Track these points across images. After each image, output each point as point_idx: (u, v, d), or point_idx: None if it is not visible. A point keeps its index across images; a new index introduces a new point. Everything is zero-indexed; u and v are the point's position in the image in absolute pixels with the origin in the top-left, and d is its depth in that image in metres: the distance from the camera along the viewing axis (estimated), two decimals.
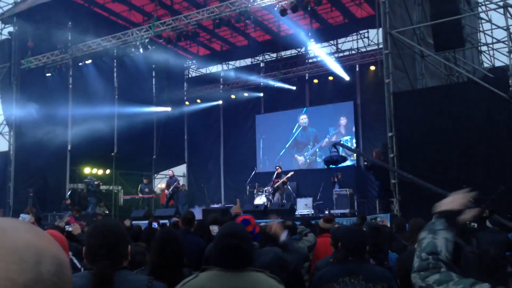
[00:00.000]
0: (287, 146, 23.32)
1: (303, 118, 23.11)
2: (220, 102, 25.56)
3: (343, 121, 22.00)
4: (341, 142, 9.58)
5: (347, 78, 21.64)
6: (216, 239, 2.46)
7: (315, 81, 22.60)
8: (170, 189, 18.77)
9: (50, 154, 20.10)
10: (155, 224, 8.77)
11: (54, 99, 20.08)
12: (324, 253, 5.66)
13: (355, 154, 17.73)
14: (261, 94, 24.39)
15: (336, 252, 3.79)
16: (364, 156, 11.52)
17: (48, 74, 20.29)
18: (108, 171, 22.23)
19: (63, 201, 19.43)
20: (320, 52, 22.32)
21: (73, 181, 21.15)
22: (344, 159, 9.51)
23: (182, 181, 24.93)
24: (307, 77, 22.75)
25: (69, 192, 20.38)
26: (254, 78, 23.95)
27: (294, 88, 23.12)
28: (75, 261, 3.80)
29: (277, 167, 18.07)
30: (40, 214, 17.86)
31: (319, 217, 9.77)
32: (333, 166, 9.46)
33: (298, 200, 17.73)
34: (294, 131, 23.23)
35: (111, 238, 2.18)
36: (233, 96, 24.61)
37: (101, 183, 20.59)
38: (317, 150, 22.54)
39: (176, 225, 7.02)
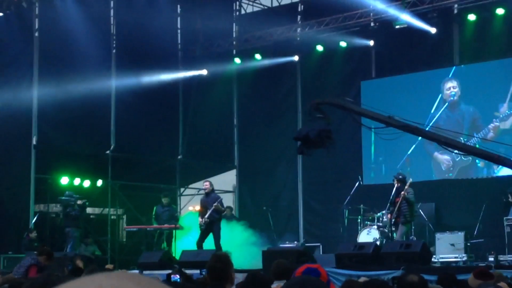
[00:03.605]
0: (420, 137, 23.00)
1: (451, 87, 22.67)
2: (296, 57, 25.54)
3: None
4: (343, 101, 9.95)
5: None
6: None
7: (471, 17, 22.07)
8: (206, 215, 18.96)
9: (3, 152, 20.80)
10: (175, 278, 8.98)
11: (9, 56, 20.76)
12: None
13: None
14: (371, 43, 24.12)
15: None
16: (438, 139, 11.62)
17: None
18: (100, 183, 22.84)
19: (25, 234, 20.11)
20: None
21: (41, 200, 21.84)
22: (326, 135, 9.56)
23: (228, 199, 25.17)
24: (455, 11, 22.26)
25: (35, 219, 21.07)
26: (355, 15, 23.68)
27: (433, 30, 22.69)
28: None
29: (397, 178, 17.87)
30: None
31: (476, 269, 9.59)
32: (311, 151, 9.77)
33: (438, 236, 17.68)
34: (433, 110, 22.87)
35: None
36: (319, 48, 24.50)
37: (87, 203, 21.21)
38: (477, 144, 22.11)
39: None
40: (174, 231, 21.15)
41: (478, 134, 21.72)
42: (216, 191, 20.86)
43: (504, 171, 21.14)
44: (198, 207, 21.02)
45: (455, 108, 22.64)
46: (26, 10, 21.20)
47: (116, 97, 23.16)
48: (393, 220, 17.65)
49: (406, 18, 22.02)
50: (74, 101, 20.93)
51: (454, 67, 22.78)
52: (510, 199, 18.26)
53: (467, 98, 22.46)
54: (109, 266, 14.33)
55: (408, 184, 17.58)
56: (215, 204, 18.82)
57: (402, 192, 17.38)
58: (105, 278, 1.50)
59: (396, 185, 17.76)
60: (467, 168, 22.16)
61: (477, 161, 21.82)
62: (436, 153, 22.54)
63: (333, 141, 10.49)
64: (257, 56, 25.56)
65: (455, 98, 22.63)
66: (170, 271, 10.71)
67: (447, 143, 11.04)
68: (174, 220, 21.62)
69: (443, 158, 22.47)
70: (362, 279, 8.83)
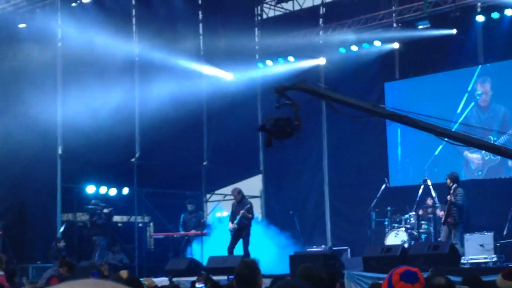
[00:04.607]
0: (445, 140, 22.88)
1: (482, 86, 22.51)
2: (321, 61, 25.52)
3: None
4: (316, 86, 9.47)
5: None
6: None
7: (495, 15, 21.92)
8: (235, 221, 19.02)
9: (29, 163, 20.95)
10: (200, 285, 8.96)
11: (32, 66, 20.91)
12: None
13: None
14: (395, 45, 24.07)
15: None
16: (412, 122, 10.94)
17: (21, 25, 21.22)
18: (126, 191, 22.93)
19: (53, 243, 20.24)
20: None
21: (68, 209, 21.97)
22: (283, 124, 9.16)
23: (254, 204, 25.16)
24: (478, 10, 22.12)
25: (62, 228, 21.20)
26: (377, 16, 23.63)
27: (453, 31, 22.60)
28: None
29: (449, 177, 17.73)
30: (14, 266, 18.77)
31: (505, 269, 9.52)
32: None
33: (467, 237, 17.49)
34: (460, 109, 22.74)
35: None
36: (342, 50, 24.47)
37: (113, 212, 21.32)
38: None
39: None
40: (201, 237, 21.20)
41: (510, 132, 21.46)
42: (247, 196, 20.95)
43: None
44: (225, 214, 21.11)
45: (485, 107, 22.50)
46: (49, 20, 21.32)
47: (140, 105, 23.23)
48: (442, 219, 17.67)
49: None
50: (98, 109, 21.04)
51: (480, 66, 22.66)
52: None
53: (498, 97, 22.32)
54: (123, 272, 14.39)
55: (452, 188, 17.44)
56: (242, 211, 18.93)
57: (448, 197, 17.27)
58: (81, 285, 1.52)
59: (423, 185, 17.73)
60: (496, 167, 22.01)
61: (508, 161, 21.66)
62: (467, 153, 22.42)
63: (296, 129, 10.12)
64: (280, 60, 25.60)
65: (485, 97, 22.50)
66: (193, 280, 10.70)
67: (443, 133, 10.80)
68: (201, 227, 21.68)
69: (473, 157, 22.37)
70: None
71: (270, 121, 9.97)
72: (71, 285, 1.53)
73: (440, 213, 18.00)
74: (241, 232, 19.04)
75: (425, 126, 10.97)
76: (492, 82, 22.36)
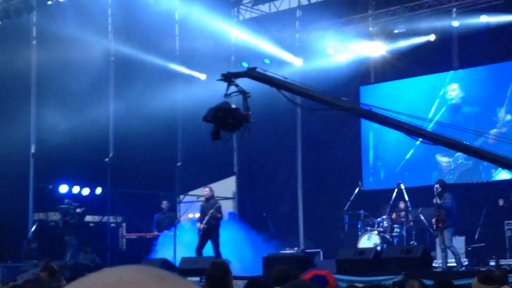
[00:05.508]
0: (419, 142, 22.95)
1: (453, 90, 22.68)
2: (298, 63, 25.57)
3: None
4: (257, 70, 9.00)
5: None
6: None
7: (470, 21, 22.06)
8: (204, 221, 18.97)
9: (2, 161, 20.81)
10: None
11: (7, 65, 20.79)
12: None
13: None
14: (371, 49, 24.15)
15: None
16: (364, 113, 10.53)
17: None
18: (99, 190, 22.85)
19: (25, 242, 20.12)
20: None
21: (41, 208, 21.87)
22: (223, 114, 9.00)
23: (228, 205, 25.16)
24: (454, 15, 22.28)
25: (34, 228, 21.08)
26: (353, 20, 23.73)
27: (431, 38, 22.74)
28: None
29: (438, 183, 17.59)
30: None
31: (476, 273, 9.60)
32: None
33: (439, 240, 17.54)
34: (431, 114, 22.83)
35: None
36: (318, 53, 24.52)
37: (86, 212, 21.22)
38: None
39: None
40: (174, 237, 21.15)
41: (481, 138, 21.49)
42: (216, 198, 20.89)
43: (501, 175, 21.13)
44: (198, 215, 21.04)
45: (458, 109, 22.62)
46: (24, 18, 21.21)
47: (115, 104, 23.19)
48: (434, 226, 17.62)
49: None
50: (73, 108, 20.99)
51: (453, 71, 22.82)
52: (504, 202, 18.36)
53: (470, 100, 22.46)
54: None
55: (436, 192, 17.37)
56: (211, 211, 18.86)
57: (434, 200, 17.19)
58: (125, 271, 1.49)
59: (397, 189, 17.82)
60: (468, 171, 22.10)
61: (480, 166, 21.67)
62: (438, 156, 22.53)
63: (245, 119, 9.62)
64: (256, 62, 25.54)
65: (456, 99, 22.62)
66: None
67: (412, 130, 10.66)
68: (174, 227, 21.65)
69: (443, 161, 22.46)
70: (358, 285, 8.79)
71: (211, 112, 9.49)
72: (122, 269, 1.52)
73: (433, 220, 17.78)
74: (209, 233, 18.97)
75: (393, 122, 10.74)
76: (465, 86, 22.48)
